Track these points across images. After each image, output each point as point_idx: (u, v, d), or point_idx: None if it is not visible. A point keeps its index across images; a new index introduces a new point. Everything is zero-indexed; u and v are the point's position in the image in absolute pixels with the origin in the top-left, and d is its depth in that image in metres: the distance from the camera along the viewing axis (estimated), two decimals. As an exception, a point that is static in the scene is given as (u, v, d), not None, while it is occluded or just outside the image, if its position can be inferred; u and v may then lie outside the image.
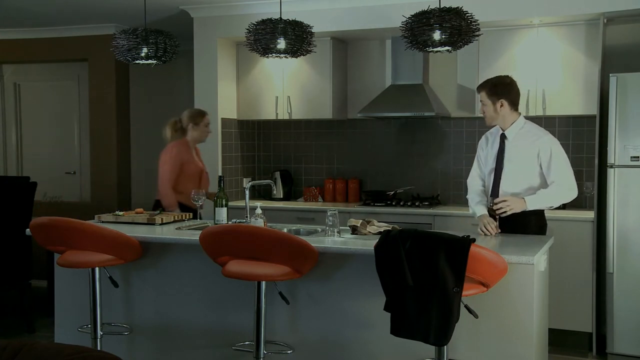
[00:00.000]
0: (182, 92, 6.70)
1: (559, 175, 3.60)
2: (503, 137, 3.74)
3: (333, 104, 5.55)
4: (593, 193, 4.84)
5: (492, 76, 3.80)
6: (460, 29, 3.49)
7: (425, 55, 5.30)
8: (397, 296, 2.81)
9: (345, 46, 5.80)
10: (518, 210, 3.57)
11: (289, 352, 3.46)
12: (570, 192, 3.64)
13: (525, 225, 3.64)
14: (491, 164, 3.77)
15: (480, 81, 4.95)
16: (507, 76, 3.80)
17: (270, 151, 6.18)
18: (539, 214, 3.71)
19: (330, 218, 3.57)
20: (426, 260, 2.72)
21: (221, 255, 3.27)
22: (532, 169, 3.66)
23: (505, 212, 3.56)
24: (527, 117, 5.07)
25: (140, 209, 4.33)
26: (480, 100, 3.76)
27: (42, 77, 7.14)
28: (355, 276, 3.35)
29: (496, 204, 3.57)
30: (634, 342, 4.33)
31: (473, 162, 3.98)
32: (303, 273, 3.22)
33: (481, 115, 3.84)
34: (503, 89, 3.68)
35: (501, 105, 3.67)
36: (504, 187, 3.70)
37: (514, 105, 3.72)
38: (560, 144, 3.72)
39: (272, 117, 5.73)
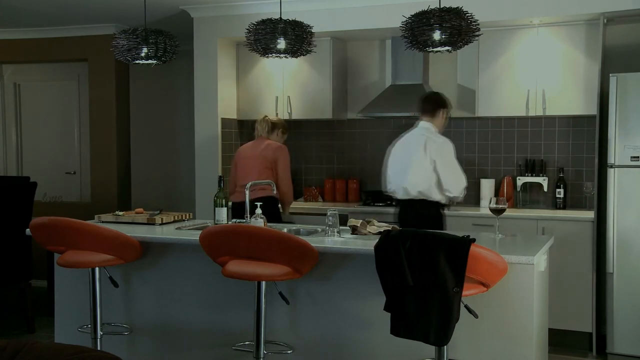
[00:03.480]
0: (182, 92, 6.70)
1: None
2: None
3: (333, 104, 5.55)
4: (593, 193, 4.84)
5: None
6: (460, 29, 3.49)
7: (425, 55, 5.30)
8: (397, 296, 2.81)
9: (345, 46, 5.80)
10: None
11: (289, 352, 3.46)
12: None
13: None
14: None
15: (481, 81, 5.02)
16: None
17: (270, 151, 6.16)
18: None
19: (330, 218, 3.57)
20: (426, 261, 2.72)
21: (221, 255, 3.27)
22: None
23: None
24: (526, 117, 5.13)
25: (140, 209, 4.33)
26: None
27: (42, 77, 7.14)
28: (355, 276, 3.35)
29: None
30: (634, 342, 4.33)
31: (459, 163, 4.28)
32: (303, 273, 3.22)
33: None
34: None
35: None
36: None
37: None
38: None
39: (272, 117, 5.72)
